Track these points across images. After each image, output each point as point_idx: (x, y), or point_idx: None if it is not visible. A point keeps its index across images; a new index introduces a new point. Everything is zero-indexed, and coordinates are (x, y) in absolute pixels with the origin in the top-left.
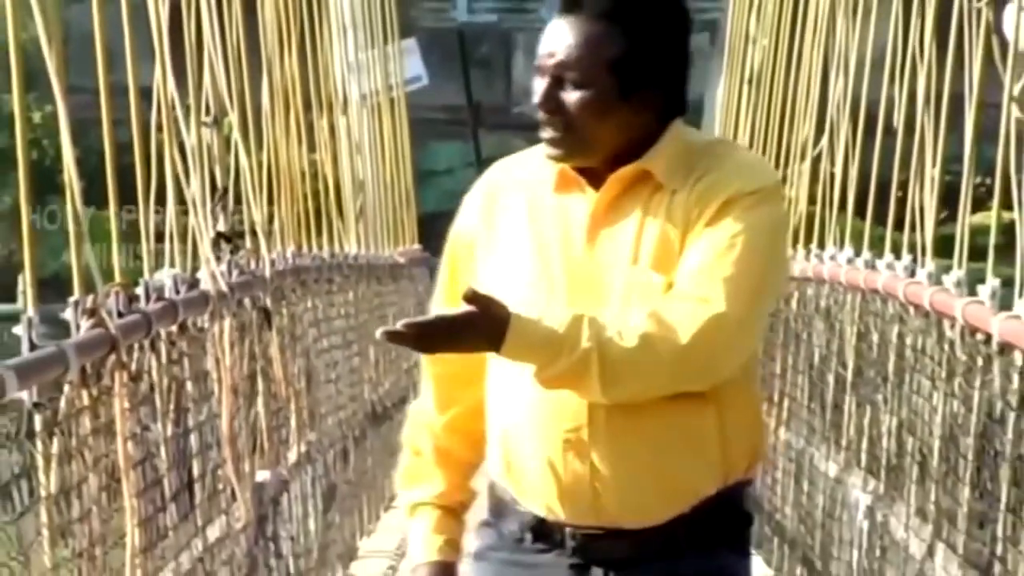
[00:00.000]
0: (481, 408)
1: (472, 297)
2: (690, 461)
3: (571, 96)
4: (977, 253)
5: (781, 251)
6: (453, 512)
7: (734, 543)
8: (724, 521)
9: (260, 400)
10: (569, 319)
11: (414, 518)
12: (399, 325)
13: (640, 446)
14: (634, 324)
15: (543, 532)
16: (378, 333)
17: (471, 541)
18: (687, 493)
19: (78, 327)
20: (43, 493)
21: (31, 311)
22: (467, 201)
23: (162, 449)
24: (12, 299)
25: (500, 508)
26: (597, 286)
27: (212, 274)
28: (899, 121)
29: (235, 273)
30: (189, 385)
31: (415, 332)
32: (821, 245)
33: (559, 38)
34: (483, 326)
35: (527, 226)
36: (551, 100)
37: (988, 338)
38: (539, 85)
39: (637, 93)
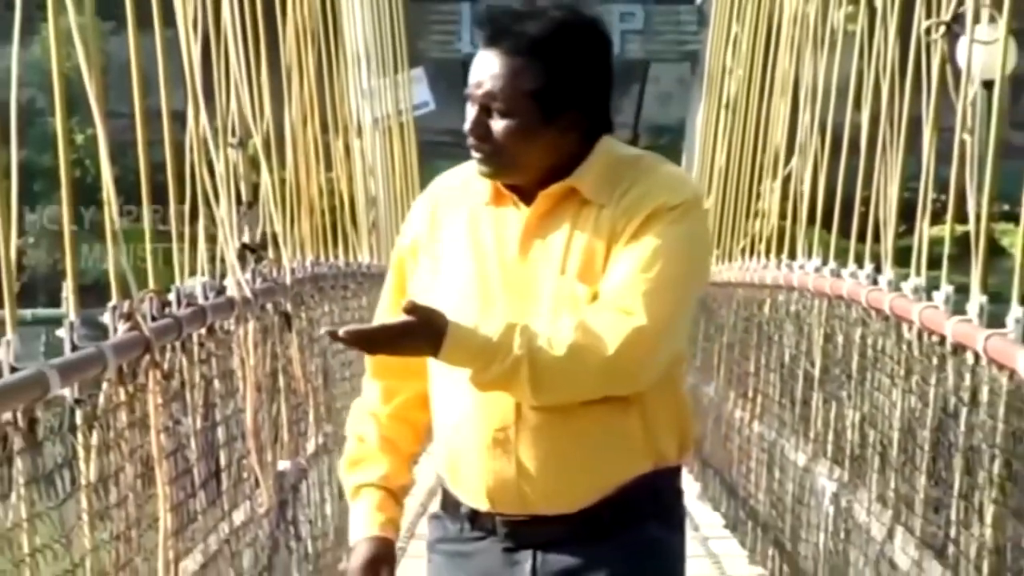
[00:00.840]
0: (423, 399)
1: (411, 309)
2: (615, 456)
3: (498, 124)
4: (933, 262)
5: (700, 262)
6: (394, 495)
7: (663, 517)
8: (652, 499)
9: (281, 396)
10: (503, 328)
11: (357, 500)
12: (342, 332)
13: (565, 444)
14: (563, 334)
15: (478, 522)
16: (322, 330)
17: (427, 533)
18: (611, 483)
19: (115, 330)
20: (83, 481)
21: (72, 315)
22: (412, 213)
23: (192, 441)
24: (56, 304)
25: (447, 502)
26: (529, 295)
27: (237, 281)
28: (862, 143)
29: (258, 280)
30: (216, 382)
31: (355, 339)
32: (791, 255)
33: (485, 69)
34: (421, 334)
35: (466, 236)
36: (479, 127)
37: (942, 339)
38: (470, 112)
39: (560, 117)
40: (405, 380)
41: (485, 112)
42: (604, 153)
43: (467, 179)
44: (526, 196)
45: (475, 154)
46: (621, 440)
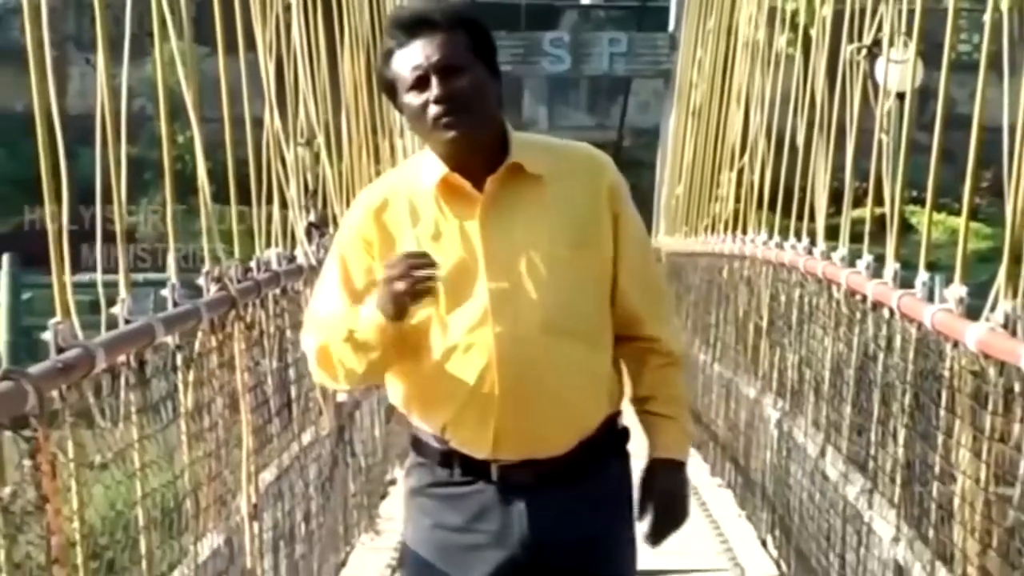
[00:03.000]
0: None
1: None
2: (595, 401)
3: (460, 81)
4: (856, 237)
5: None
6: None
7: (619, 452)
8: (612, 438)
9: None
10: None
11: (364, 305)
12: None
13: (563, 394)
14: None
15: (471, 467)
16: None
17: (406, 480)
18: (590, 426)
19: (208, 290)
20: (182, 410)
21: (174, 279)
22: (354, 210)
23: (268, 378)
24: (161, 270)
25: (425, 450)
26: (507, 266)
27: (305, 252)
28: (800, 142)
29: (321, 251)
30: (288, 332)
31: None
32: (744, 232)
33: (430, 48)
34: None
35: (423, 236)
36: (446, 89)
37: (864, 298)
38: (435, 87)
39: (494, 72)
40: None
41: (445, 80)
42: (517, 135)
43: (404, 187)
44: (477, 182)
45: (445, 119)
46: (600, 386)
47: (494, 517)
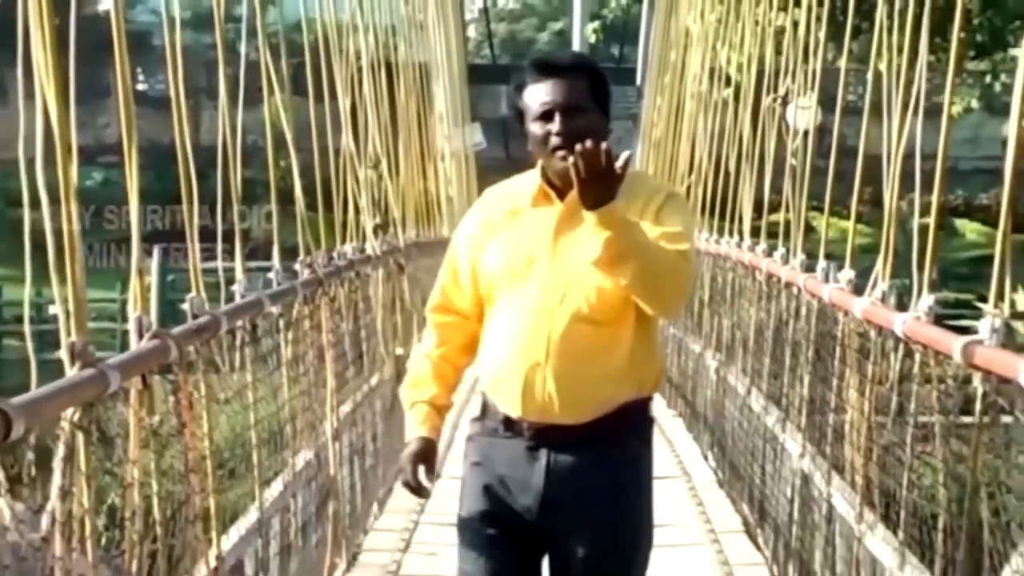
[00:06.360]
0: (464, 347)
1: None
2: (608, 384)
3: (579, 121)
4: (772, 235)
5: (693, 225)
6: (438, 410)
7: (640, 436)
8: (633, 421)
9: (397, 311)
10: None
11: (412, 410)
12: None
13: (578, 373)
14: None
15: (510, 426)
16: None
17: (467, 429)
18: (607, 401)
19: (302, 273)
20: (283, 360)
21: (277, 265)
22: (469, 214)
23: (346, 337)
24: (269, 259)
25: (485, 410)
26: (564, 268)
27: (372, 246)
28: (732, 167)
29: (384, 245)
30: (360, 303)
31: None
32: None
33: (560, 89)
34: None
35: (513, 230)
36: (567, 126)
37: (779, 280)
38: (557, 123)
39: (605, 118)
40: (455, 333)
41: (567, 117)
42: None
43: (515, 187)
44: (563, 196)
45: (563, 152)
46: (613, 372)
47: (522, 467)
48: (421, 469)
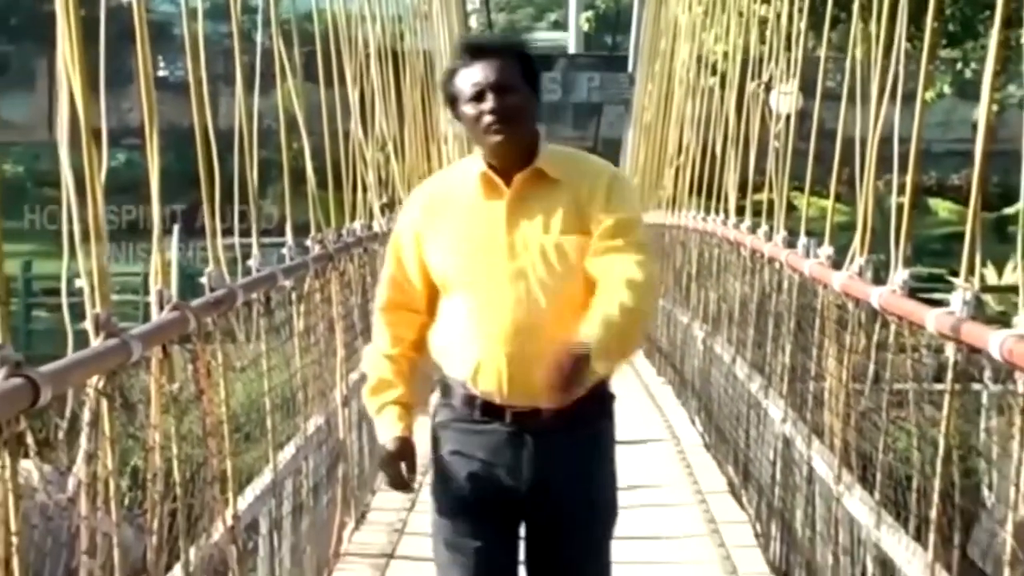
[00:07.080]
0: (418, 342)
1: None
2: None
3: (510, 99)
4: (756, 213)
5: (638, 201)
6: (408, 408)
7: (607, 413)
8: (601, 399)
9: None
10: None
11: (382, 414)
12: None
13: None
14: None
15: (490, 410)
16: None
17: (433, 418)
18: (583, 388)
19: (313, 249)
20: (296, 331)
21: (290, 241)
22: (409, 205)
23: (355, 309)
24: (282, 235)
25: (452, 393)
26: (523, 249)
27: (379, 223)
28: (718, 149)
29: (391, 223)
30: (368, 277)
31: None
32: (680, 210)
33: (488, 70)
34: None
35: (464, 217)
36: (498, 104)
37: (762, 255)
38: (489, 102)
39: (535, 98)
40: (407, 329)
41: (498, 96)
42: (548, 146)
43: (451, 181)
44: (508, 180)
45: (495, 127)
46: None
47: (507, 452)
48: (403, 467)
